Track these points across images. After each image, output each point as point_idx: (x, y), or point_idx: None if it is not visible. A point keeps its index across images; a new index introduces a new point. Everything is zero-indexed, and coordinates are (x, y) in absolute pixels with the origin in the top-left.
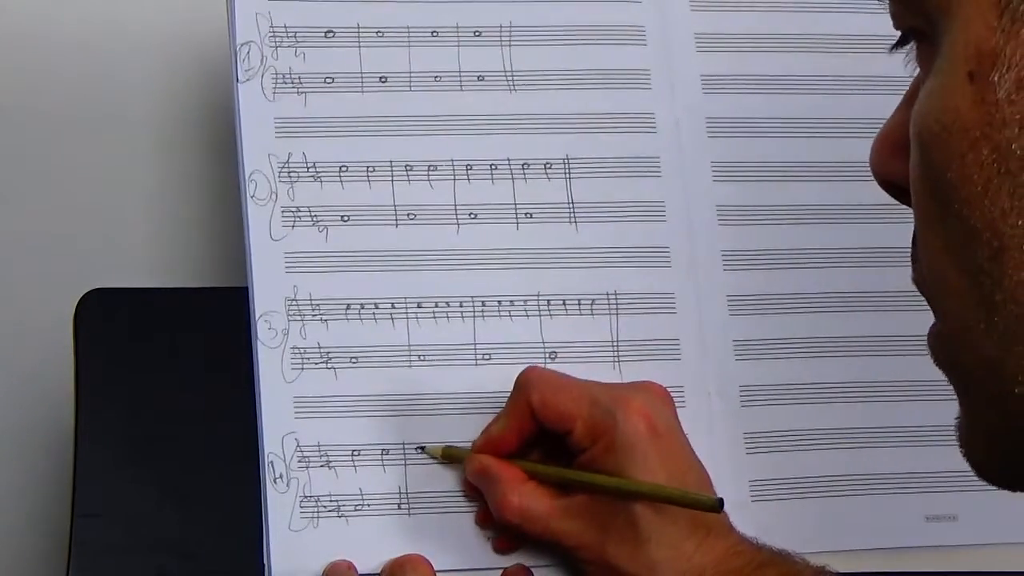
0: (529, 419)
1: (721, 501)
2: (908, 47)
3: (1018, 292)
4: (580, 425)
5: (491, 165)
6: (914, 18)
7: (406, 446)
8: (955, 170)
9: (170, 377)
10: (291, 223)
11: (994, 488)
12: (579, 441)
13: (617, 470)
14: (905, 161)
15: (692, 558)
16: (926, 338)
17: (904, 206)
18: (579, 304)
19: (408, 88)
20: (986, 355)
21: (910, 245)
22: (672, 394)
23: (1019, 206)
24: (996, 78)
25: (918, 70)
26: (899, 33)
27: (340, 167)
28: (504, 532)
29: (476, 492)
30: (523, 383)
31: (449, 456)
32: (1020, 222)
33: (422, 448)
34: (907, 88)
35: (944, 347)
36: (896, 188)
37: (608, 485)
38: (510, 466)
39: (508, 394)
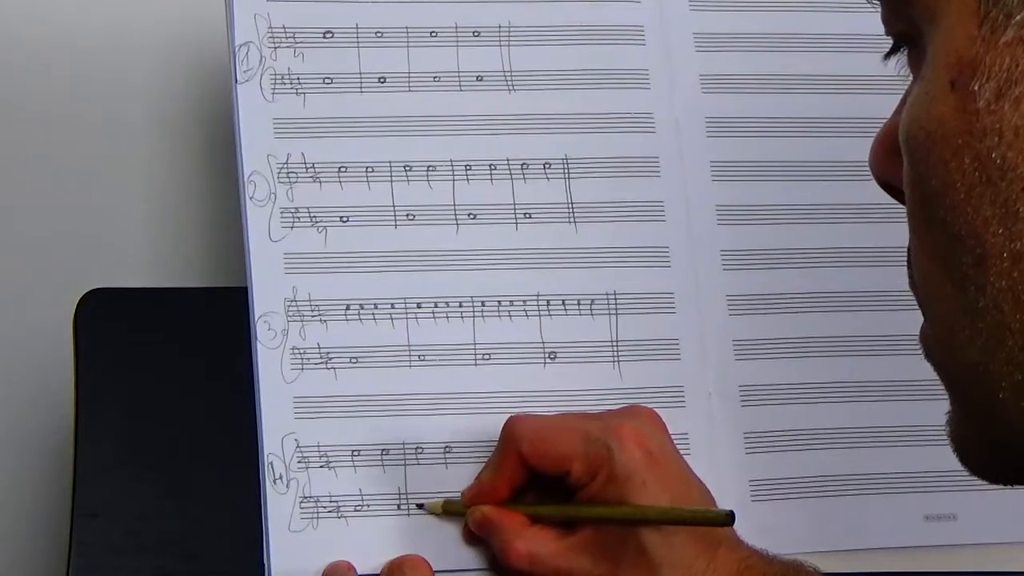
0: (519, 468)
1: (732, 514)
2: (900, 53)
3: (1000, 299)
4: (577, 464)
5: (490, 165)
6: (902, 23)
7: (406, 446)
8: (939, 177)
9: (170, 377)
10: (290, 224)
11: (993, 486)
12: (578, 479)
13: (619, 501)
14: (900, 163)
15: None
16: (919, 336)
17: (902, 206)
18: (579, 304)
19: (407, 88)
20: (970, 361)
21: (907, 249)
22: (672, 394)
23: (1000, 214)
24: (977, 87)
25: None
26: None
27: (339, 168)
28: None
29: (478, 542)
30: (510, 434)
31: (449, 510)
32: (1002, 230)
33: (421, 505)
34: (906, 89)
35: (932, 349)
36: (894, 189)
37: (616, 515)
38: (511, 512)
39: (507, 394)
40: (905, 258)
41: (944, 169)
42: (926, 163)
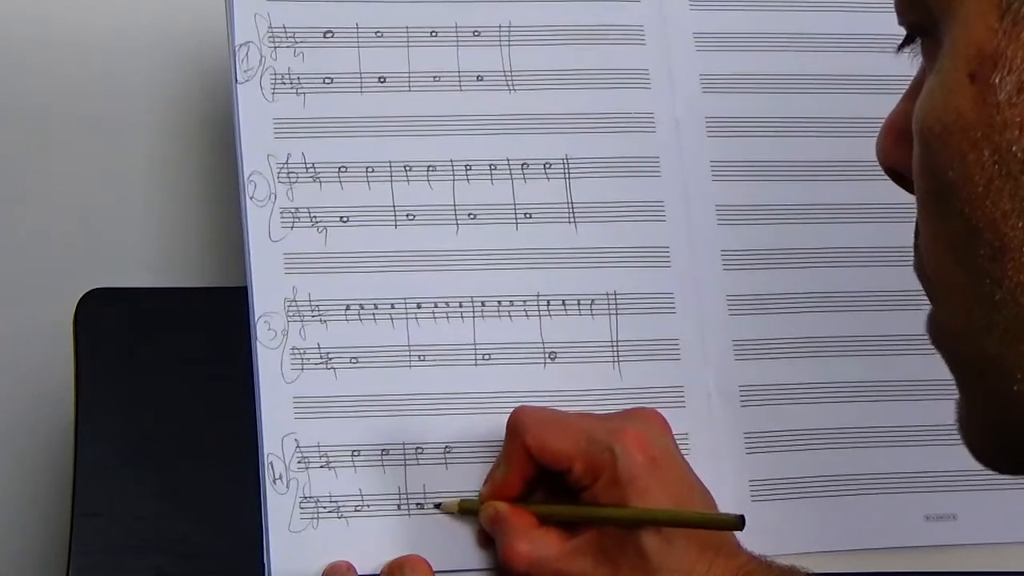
0: (528, 461)
1: (743, 518)
2: (914, 46)
3: (1018, 293)
4: (579, 463)
5: (490, 165)
6: (916, 14)
7: (406, 446)
8: (957, 170)
9: (170, 377)
10: (290, 224)
11: (993, 486)
12: (579, 479)
13: (621, 504)
14: (909, 151)
15: None
16: (925, 323)
17: (903, 204)
18: (578, 304)
19: (407, 88)
20: (987, 352)
21: (913, 236)
22: (672, 394)
23: (1020, 208)
24: (997, 80)
25: (923, 62)
26: (901, 34)
27: (339, 168)
28: None
29: (483, 543)
30: (515, 426)
31: (465, 510)
32: (1021, 224)
33: (438, 505)
34: (911, 79)
35: (944, 338)
36: (902, 177)
37: (626, 516)
38: (523, 512)
39: (507, 394)
40: (909, 255)
41: (962, 161)
42: (943, 154)
